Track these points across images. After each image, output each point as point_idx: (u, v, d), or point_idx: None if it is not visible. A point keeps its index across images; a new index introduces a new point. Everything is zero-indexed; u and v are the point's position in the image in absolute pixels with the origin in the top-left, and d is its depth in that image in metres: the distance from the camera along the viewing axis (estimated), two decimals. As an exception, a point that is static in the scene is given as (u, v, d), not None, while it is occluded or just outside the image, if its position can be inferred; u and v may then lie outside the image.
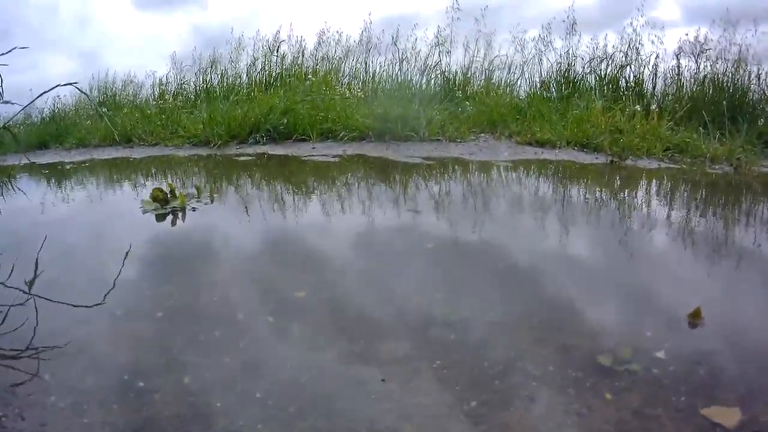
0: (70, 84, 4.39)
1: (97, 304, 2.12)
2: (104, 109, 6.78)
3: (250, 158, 5.34)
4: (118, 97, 7.62)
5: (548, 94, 6.68)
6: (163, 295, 2.22)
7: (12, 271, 2.47)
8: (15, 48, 4.22)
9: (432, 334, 1.88)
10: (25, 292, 2.27)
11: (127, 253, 2.67)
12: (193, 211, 3.42)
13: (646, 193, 4.20)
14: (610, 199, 3.90)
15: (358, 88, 6.90)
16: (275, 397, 1.56)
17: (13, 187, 4.51)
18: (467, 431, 1.43)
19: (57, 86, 4.53)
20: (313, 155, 5.27)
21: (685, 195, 4.13)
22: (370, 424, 1.45)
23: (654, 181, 4.63)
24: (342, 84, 6.94)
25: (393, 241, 2.91)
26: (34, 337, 1.90)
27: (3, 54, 4.03)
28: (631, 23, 6.67)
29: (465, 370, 1.67)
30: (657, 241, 2.96)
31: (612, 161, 5.01)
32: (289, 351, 1.81)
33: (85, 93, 5.67)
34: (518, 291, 2.28)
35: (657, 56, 6.56)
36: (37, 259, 2.60)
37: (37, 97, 4.40)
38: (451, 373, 1.65)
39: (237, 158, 5.37)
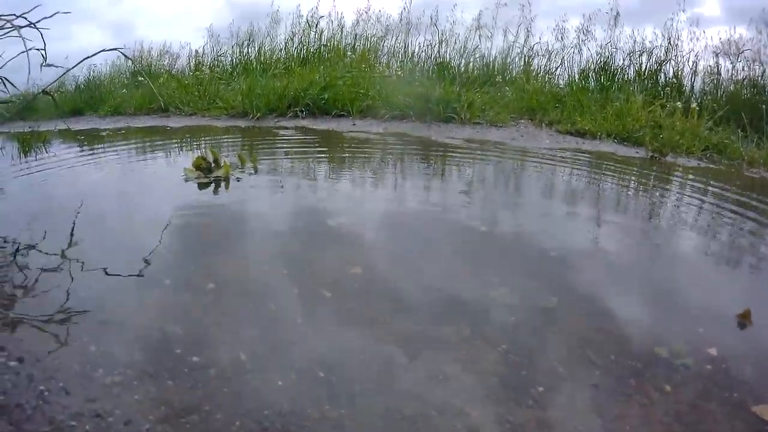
0: (115, 49, 4.40)
1: (134, 275, 2.08)
2: (141, 78, 6.77)
3: (290, 131, 5.36)
4: (153, 67, 7.62)
5: (587, 84, 6.67)
6: (210, 267, 2.20)
7: (51, 236, 2.46)
8: (57, 12, 4.24)
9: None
10: (67, 258, 2.24)
11: (166, 225, 2.63)
12: (238, 181, 3.43)
13: (689, 190, 4.20)
14: (653, 194, 3.91)
15: (397, 67, 6.89)
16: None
17: (49, 152, 4.49)
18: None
19: (101, 51, 4.56)
20: (353, 131, 5.30)
21: (725, 195, 4.13)
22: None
23: (694, 178, 4.64)
24: (381, 63, 6.92)
25: (436, 222, 2.91)
26: (71, 304, 1.86)
27: (46, 18, 4.06)
28: (672, 18, 6.65)
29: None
30: (694, 239, 2.99)
31: (652, 156, 5.02)
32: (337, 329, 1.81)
33: (129, 57, 5.68)
34: (552, 281, 2.31)
35: (696, 54, 6.55)
36: (72, 229, 2.57)
37: (82, 61, 4.43)
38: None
39: (276, 131, 5.39)
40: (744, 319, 1.98)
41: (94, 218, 2.77)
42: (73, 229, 2.57)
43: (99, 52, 4.68)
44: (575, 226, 3.00)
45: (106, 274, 2.10)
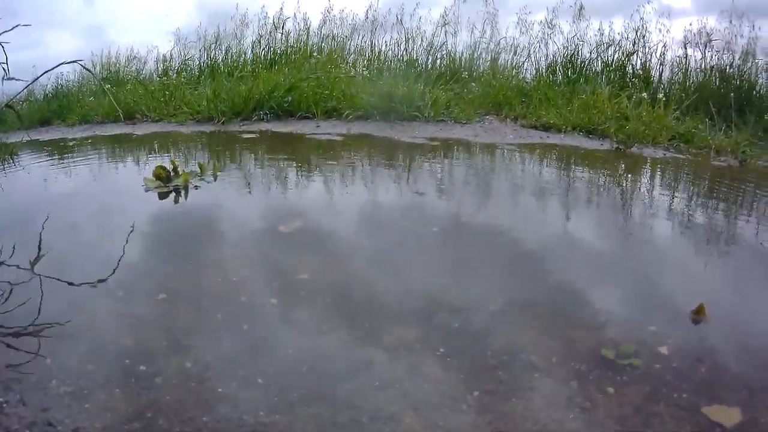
0: (74, 62, 4.38)
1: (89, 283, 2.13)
2: (108, 86, 6.71)
3: (254, 135, 5.31)
4: (121, 74, 7.54)
5: (554, 78, 6.63)
6: (163, 275, 2.24)
7: (14, 250, 2.47)
8: (18, 25, 4.21)
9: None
10: (26, 270, 2.27)
11: (129, 233, 2.65)
12: (196, 189, 3.41)
13: (649, 183, 4.18)
14: (612, 187, 3.89)
15: (364, 66, 6.84)
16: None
17: (15, 164, 4.47)
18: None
19: (61, 64, 4.54)
20: (316, 133, 5.25)
21: (689, 187, 4.11)
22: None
23: (657, 170, 4.62)
24: (347, 63, 6.88)
25: (394, 224, 2.91)
26: (36, 316, 1.90)
27: (6, 31, 4.02)
28: (638, 10, 6.62)
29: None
30: (655, 233, 2.97)
31: (617, 148, 4.98)
32: (288, 334, 1.83)
33: (89, 70, 5.63)
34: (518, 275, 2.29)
35: (664, 45, 6.52)
36: (40, 239, 2.60)
37: (41, 75, 4.41)
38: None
39: (240, 135, 5.34)
40: (698, 315, 1.96)
41: (51, 231, 2.75)
42: (40, 242, 2.58)
43: (59, 65, 4.67)
44: (526, 224, 2.97)
45: (62, 284, 2.15)
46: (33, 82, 4.69)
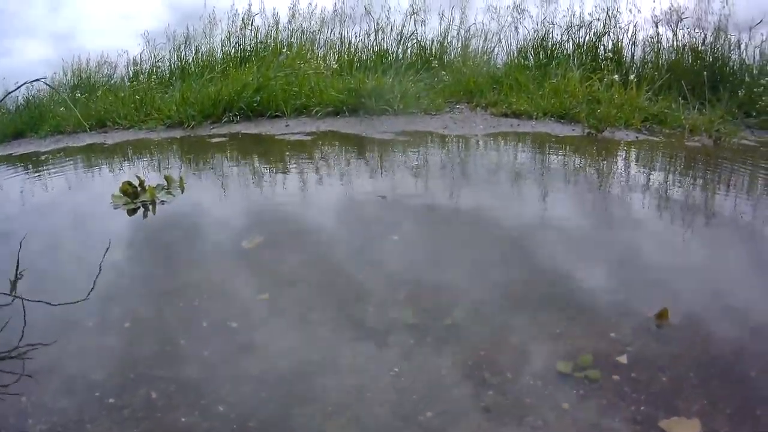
0: (38, 80, 4.30)
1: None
2: (78, 93, 6.64)
3: (223, 139, 5.27)
4: (92, 79, 7.45)
5: (525, 62, 6.57)
6: (125, 304, 2.21)
7: None
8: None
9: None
10: None
11: (100, 256, 2.60)
12: (162, 204, 3.39)
13: (618, 169, 4.15)
14: (579, 176, 3.86)
15: (334, 60, 6.76)
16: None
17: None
18: None
19: (24, 84, 4.46)
20: (285, 134, 5.20)
21: (660, 172, 4.06)
22: None
23: (629, 154, 4.58)
24: (317, 56, 6.80)
25: (357, 231, 2.90)
26: None
27: None
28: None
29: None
30: (622, 227, 2.94)
31: (589, 133, 4.94)
32: (248, 360, 1.82)
33: (53, 87, 5.56)
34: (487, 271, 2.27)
35: (635, 25, 6.45)
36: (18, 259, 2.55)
37: (4, 98, 4.31)
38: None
39: (210, 140, 5.29)
40: (661, 320, 1.92)
41: (23, 252, 2.68)
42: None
43: (21, 84, 4.59)
44: (483, 224, 2.93)
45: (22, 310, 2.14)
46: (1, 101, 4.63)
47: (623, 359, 1.73)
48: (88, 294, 2.26)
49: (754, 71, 6.04)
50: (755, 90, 5.69)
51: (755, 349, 1.81)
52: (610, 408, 1.54)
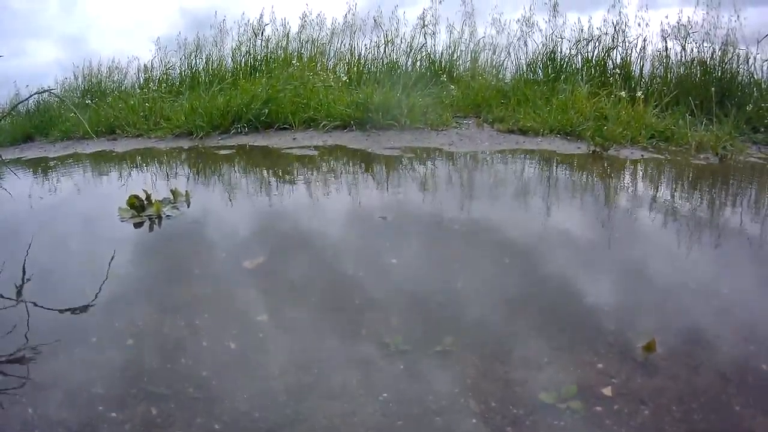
0: (46, 91, 4.40)
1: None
2: (88, 99, 6.72)
3: (231, 151, 5.32)
4: (103, 85, 7.55)
5: (534, 77, 6.57)
6: (129, 320, 2.23)
7: None
8: (-9, 55, 4.22)
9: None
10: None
11: (106, 270, 2.66)
12: (168, 218, 3.42)
13: (621, 189, 4.14)
14: (581, 196, 3.85)
15: (343, 71, 6.80)
16: None
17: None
18: None
19: (33, 95, 4.55)
20: (292, 147, 5.24)
21: (664, 193, 4.05)
22: None
23: (631, 174, 4.58)
24: (327, 67, 6.84)
25: (357, 251, 2.93)
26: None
27: None
28: (614, 5, 6.55)
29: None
30: (616, 252, 2.93)
31: (594, 151, 4.94)
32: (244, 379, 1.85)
33: (61, 98, 5.64)
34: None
35: (644, 39, 6.44)
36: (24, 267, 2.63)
37: (13, 107, 4.39)
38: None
39: (217, 151, 5.34)
40: (649, 351, 1.91)
41: (28, 266, 2.79)
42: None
43: (32, 95, 4.70)
44: (480, 245, 2.94)
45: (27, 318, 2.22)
46: (9, 111, 4.71)
47: (608, 391, 1.74)
48: (90, 303, 2.35)
49: (763, 85, 6.03)
50: (763, 105, 5.68)
51: (741, 382, 1.81)
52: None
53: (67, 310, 2.29)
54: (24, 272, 2.68)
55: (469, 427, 1.61)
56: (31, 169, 5.58)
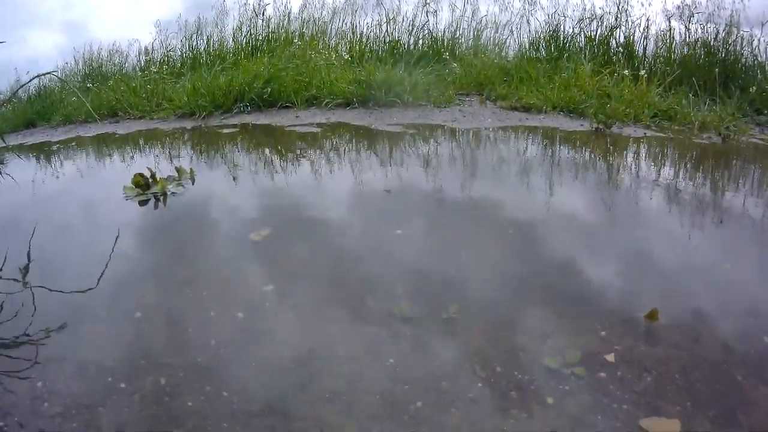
0: (48, 73, 4.39)
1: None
2: (89, 83, 6.70)
3: (234, 130, 5.32)
4: (104, 68, 7.52)
5: (537, 55, 6.54)
6: (136, 294, 2.24)
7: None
8: (-9, 44, 4.19)
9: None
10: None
11: (112, 246, 2.69)
12: (173, 195, 3.44)
13: (623, 165, 4.13)
14: (584, 172, 3.85)
15: (345, 50, 6.77)
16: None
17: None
18: None
19: (35, 77, 4.54)
20: (295, 125, 5.24)
21: (667, 171, 4.05)
22: None
23: (634, 151, 4.57)
24: (329, 46, 6.81)
25: (362, 223, 2.94)
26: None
27: None
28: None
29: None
30: (618, 225, 2.95)
31: (597, 128, 4.94)
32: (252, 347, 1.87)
33: (63, 81, 5.62)
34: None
35: (648, 19, 6.40)
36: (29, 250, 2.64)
37: (15, 91, 4.39)
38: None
39: (220, 130, 5.34)
40: (651, 320, 1.94)
41: (34, 242, 2.82)
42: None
43: (33, 78, 4.69)
44: (482, 219, 2.95)
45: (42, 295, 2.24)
46: (11, 96, 4.71)
47: (611, 357, 1.76)
48: (98, 282, 2.35)
49: (767, 68, 6.00)
50: (767, 88, 5.66)
51: (744, 352, 1.82)
52: (593, 404, 1.58)
53: (76, 290, 2.29)
54: (30, 251, 2.70)
55: (474, 391, 1.63)
56: (35, 154, 5.58)
